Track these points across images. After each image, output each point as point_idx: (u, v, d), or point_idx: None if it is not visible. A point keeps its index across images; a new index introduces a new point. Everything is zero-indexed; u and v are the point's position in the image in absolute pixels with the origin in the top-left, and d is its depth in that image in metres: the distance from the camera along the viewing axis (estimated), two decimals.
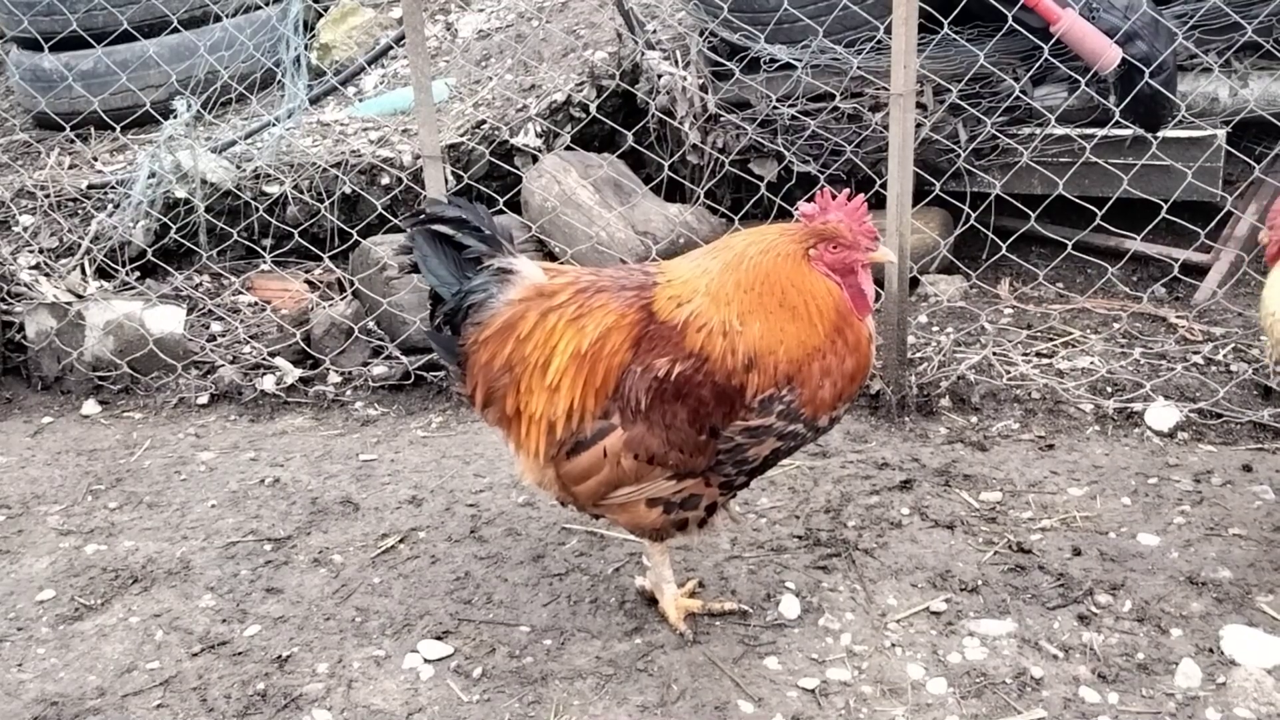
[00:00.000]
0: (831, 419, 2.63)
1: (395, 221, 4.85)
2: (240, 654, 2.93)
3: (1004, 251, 4.25)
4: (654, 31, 5.29)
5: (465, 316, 2.72)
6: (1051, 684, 2.63)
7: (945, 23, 4.24)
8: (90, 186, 5.34)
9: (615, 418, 2.60)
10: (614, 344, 2.58)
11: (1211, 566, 3.00)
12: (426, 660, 2.85)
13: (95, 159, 5.76)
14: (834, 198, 2.57)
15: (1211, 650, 2.69)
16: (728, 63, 4.82)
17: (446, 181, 4.63)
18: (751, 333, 2.51)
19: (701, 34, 4.94)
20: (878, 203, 3.97)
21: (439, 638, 2.93)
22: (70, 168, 5.70)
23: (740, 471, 2.65)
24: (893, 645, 2.79)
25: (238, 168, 5.20)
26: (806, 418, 2.56)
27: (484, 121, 5.18)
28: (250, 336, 4.74)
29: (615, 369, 2.59)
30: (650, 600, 2.98)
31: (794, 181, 4.68)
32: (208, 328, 4.84)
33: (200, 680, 2.84)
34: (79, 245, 5.03)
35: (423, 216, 2.74)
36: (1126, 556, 3.06)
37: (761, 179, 4.72)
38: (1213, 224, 4.20)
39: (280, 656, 2.90)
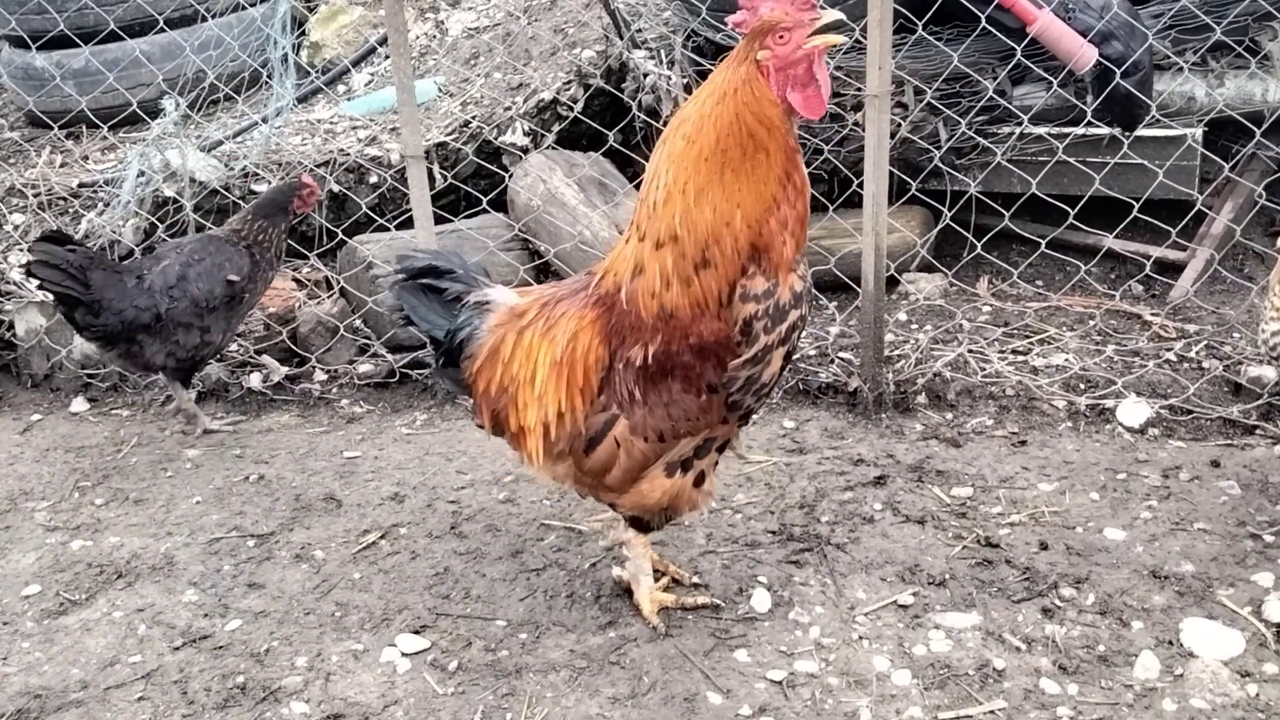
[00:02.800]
0: (802, 279, 2.58)
1: (381, 221, 4.89)
2: (221, 648, 2.98)
3: (979, 250, 4.29)
4: (640, 30, 5.33)
5: (460, 352, 2.87)
6: (1013, 675, 2.68)
7: (920, 24, 4.28)
8: (80, 185, 5.38)
9: (614, 409, 2.68)
10: (584, 344, 2.69)
11: (1175, 560, 3.05)
12: (404, 654, 2.90)
13: (86, 157, 5.81)
14: None
15: (1171, 643, 2.74)
16: (710, 62, 4.86)
17: (432, 181, 4.68)
18: (704, 218, 2.47)
19: (685, 34, 4.98)
20: (858, 202, 4.03)
21: (416, 632, 2.98)
22: (61, 166, 5.75)
23: (760, 397, 2.66)
24: (860, 638, 2.84)
25: (226, 166, 5.24)
26: (783, 299, 2.52)
27: (471, 121, 5.22)
28: (237, 334, 4.77)
29: (594, 365, 2.68)
30: (625, 591, 3.03)
31: None
32: None
33: (181, 674, 2.89)
34: None
35: (402, 277, 2.91)
36: (1092, 551, 3.12)
37: None
38: (1185, 221, 4.23)
39: (260, 650, 2.96)
